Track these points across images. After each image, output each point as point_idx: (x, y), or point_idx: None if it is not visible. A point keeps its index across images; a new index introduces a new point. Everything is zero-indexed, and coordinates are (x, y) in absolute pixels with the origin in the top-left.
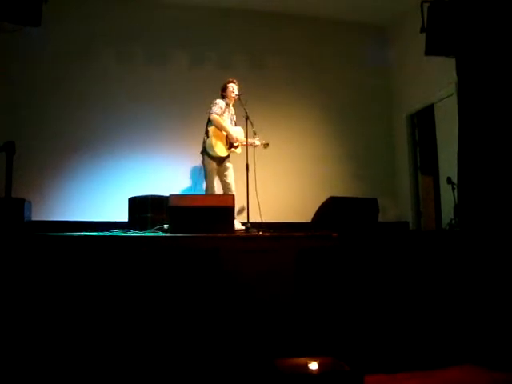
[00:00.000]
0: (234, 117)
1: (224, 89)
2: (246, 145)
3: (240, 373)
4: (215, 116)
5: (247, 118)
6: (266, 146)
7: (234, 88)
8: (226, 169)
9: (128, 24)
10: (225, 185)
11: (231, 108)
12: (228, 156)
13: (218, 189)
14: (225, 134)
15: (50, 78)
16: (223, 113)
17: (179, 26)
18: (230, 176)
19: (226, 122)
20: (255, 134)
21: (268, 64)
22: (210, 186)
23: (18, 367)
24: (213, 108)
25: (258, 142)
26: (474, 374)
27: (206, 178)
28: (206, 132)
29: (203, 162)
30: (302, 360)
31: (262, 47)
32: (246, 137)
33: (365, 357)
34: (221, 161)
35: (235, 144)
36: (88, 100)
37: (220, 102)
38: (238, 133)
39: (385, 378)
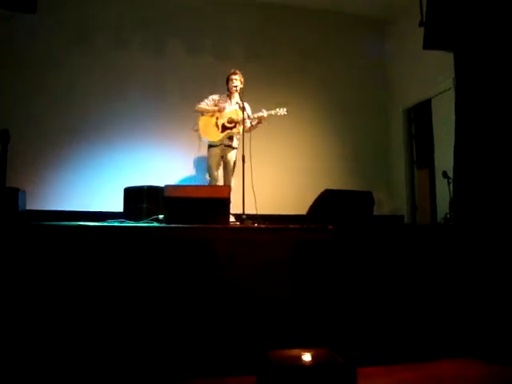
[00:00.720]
0: (238, 105)
1: (227, 81)
2: (243, 131)
3: (233, 364)
4: (196, 107)
5: (243, 109)
6: (279, 112)
7: (234, 81)
8: (227, 161)
9: (125, 12)
10: (225, 176)
11: (235, 96)
12: (229, 143)
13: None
14: (213, 117)
15: (44, 65)
16: (220, 104)
17: (177, 15)
18: (230, 169)
19: (226, 110)
20: (252, 124)
21: (265, 55)
22: (210, 173)
23: (13, 358)
24: (200, 102)
25: (265, 113)
26: (468, 365)
27: (207, 166)
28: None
29: (207, 150)
30: (295, 351)
31: (258, 38)
32: (243, 123)
33: (359, 349)
34: (221, 148)
35: (229, 125)
36: (83, 89)
37: (212, 96)
38: (233, 113)
39: (378, 370)
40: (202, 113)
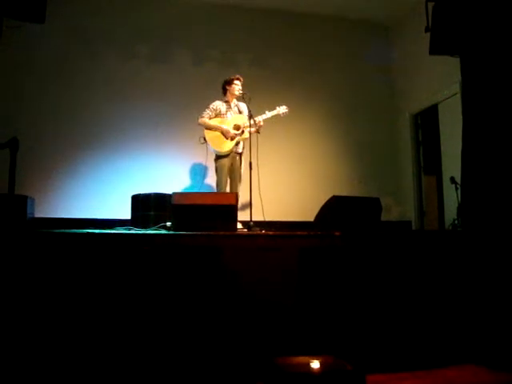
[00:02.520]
0: (239, 107)
1: (229, 83)
2: (250, 133)
3: (241, 371)
4: (200, 120)
5: (251, 117)
6: (282, 113)
7: (238, 86)
8: (236, 168)
9: (130, 21)
10: (232, 183)
11: (234, 101)
12: (238, 150)
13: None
14: (219, 131)
15: (53, 75)
16: (225, 112)
17: (182, 24)
18: (238, 175)
19: (230, 117)
20: (258, 132)
21: (270, 62)
22: (219, 183)
23: (20, 365)
24: (202, 113)
25: (269, 114)
26: (475, 373)
27: (216, 175)
28: (204, 137)
29: (214, 159)
30: (303, 359)
31: (264, 45)
32: (250, 123)
33: (366, 356)
34: (230, 156)
35: (236, 132)
36: (91, 97)
37: (213, 105)
38: (237, 119)
39: (385, 378)
40: (206, 127)
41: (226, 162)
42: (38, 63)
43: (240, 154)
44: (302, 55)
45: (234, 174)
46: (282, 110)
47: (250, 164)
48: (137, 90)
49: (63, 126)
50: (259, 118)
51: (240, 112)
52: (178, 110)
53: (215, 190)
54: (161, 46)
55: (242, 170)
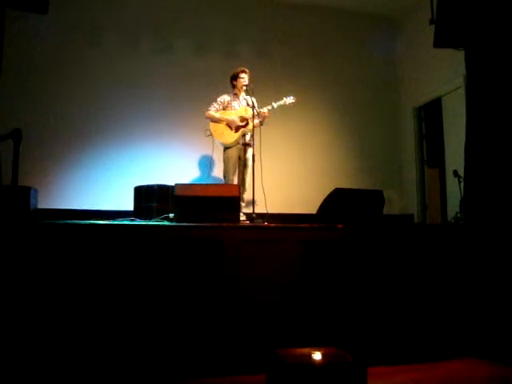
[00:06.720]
0: (246, 101)
1: (235, 77)
2: (253, 126)
3: (244, 363)
4: (207, 113)
5: (253, 107)
6: (289, 103)
7: (244, 79)
8: (245, 160)
9: (134, 13)
10: (239, 174)
11: (242, 94)
12: (245, 141)
13: None
14: (224, 123)
15: (56, 66)
16: (230, 104)
17: (186, 15)
18: (248, 171)
19: (238, 108)
20: (261, 124)
21: (274, 54)
22: (226, 174)
23: (22, 359)
24: (209, 107)
25: (275, 105)
26: (476, 366)
27: (224, 169)
28: (209, 130)
29: (223, 151)
30: (305, 350)
31: (267, 36)
32: (253, 114)
33: (367, 348)
34: (237, 148)
35: (241, 124)
36: (94, 88)
37: (220, 99)
38: (243, 112)
39: (387, 370)
40: (212, 120)
41: (233, 152)
42: (41, 54)
43: (248, 145)
44: (306, 47)
45: (241, 165)
46: (289, 100)
47: (253, 156)
48: (140, 80)
49: (66, 117)
50: (265, 109)
51: (248, 105)
52: (182, 101)
53: (224, 181)
54: (163, 37)
55: (251, 162)
